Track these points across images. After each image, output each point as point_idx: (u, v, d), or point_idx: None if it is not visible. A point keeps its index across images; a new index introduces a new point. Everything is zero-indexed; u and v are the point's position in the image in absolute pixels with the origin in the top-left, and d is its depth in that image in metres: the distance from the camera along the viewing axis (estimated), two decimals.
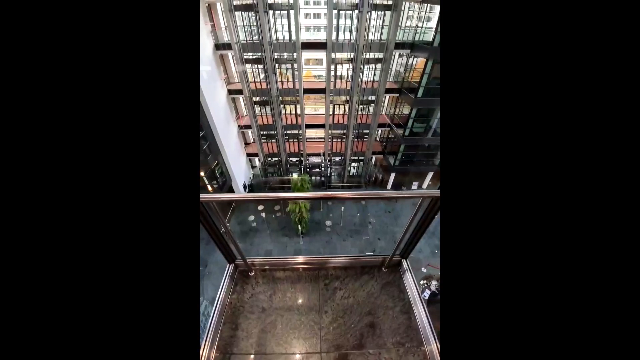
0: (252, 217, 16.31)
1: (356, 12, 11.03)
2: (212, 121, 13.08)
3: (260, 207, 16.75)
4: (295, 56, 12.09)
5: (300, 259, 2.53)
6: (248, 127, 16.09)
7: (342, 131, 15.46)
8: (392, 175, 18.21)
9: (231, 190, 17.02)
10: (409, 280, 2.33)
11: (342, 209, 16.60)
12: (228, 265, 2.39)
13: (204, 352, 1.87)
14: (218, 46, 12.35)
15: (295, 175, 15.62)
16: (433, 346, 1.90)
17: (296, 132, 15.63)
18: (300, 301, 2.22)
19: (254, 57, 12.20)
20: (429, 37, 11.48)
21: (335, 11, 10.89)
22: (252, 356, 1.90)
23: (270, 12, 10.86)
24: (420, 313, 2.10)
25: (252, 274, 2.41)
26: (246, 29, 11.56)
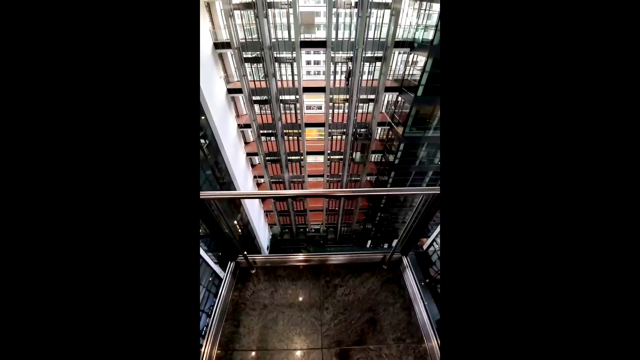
0: None
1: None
2: (248, 211, 16.27)
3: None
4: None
5: (301, 256, 2.54)
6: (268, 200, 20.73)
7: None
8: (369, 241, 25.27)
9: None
10: (409, 277, 2.35)
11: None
12: (230, 262, 2.41)
13: (205, 348, 1.88)
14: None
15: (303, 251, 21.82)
16: (433, 342, 1.92)
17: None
18: (301, 298, 2.24)
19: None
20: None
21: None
22: (253, 352, 1.91)
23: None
24: (421, 309, 2.11)
25: (254, 271, 2.43)
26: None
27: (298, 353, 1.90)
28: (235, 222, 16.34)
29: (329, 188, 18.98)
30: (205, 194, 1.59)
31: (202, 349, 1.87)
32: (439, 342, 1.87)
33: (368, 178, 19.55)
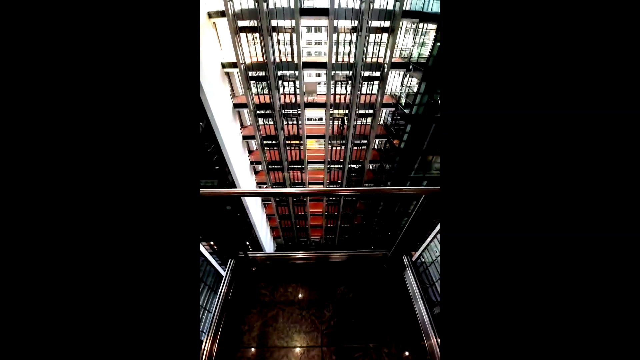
0: None
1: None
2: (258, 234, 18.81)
3: None
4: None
5: (301, 254, 2.55)
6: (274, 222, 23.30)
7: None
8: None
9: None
10: (409, 275, 2.35)
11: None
12: (230, 260, 2.42)
13: (206, 345, 1.89)
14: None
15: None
16: (433, 340, 1.92)
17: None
18: (301, 296, 2.24)
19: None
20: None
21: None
22: (253, 349, 1.92)
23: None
24: (420, 308, 2.11)
25: (254, 268, 2.43)
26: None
27: (298, 350, 1.91)
28: (248, 242, 18.38)
29: (328, 210, 22.19)
30: (205, 191, 1.59)
31: (203, 346, 1.88)
32: (439, 340, 1.87)
33: (362, 200, 22.33)
